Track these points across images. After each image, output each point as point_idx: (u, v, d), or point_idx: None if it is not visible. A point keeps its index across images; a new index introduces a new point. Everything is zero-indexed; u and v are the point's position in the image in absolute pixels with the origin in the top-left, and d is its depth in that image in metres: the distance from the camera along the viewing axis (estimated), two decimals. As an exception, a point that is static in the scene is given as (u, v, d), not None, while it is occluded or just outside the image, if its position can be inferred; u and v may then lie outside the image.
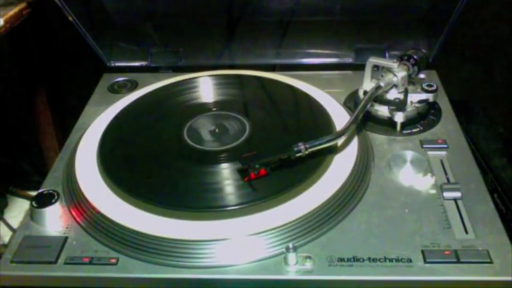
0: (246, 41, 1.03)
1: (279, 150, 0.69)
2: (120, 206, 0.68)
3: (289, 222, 0.64)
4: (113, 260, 0.62)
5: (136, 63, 1.05)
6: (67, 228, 0.67)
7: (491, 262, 0.60)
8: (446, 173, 0.73)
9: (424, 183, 0.72)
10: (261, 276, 0.60)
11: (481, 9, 1.13)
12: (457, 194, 0.69)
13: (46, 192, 0.71)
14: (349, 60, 1.01)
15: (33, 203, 0.69)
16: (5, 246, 0.92)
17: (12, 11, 0.96)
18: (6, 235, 1.05)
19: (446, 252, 0.61)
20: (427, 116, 0.85)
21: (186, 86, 0.94)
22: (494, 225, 0.65)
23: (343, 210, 0.67)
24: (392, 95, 0.82)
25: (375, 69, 0.82)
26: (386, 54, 0.99)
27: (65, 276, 0.62)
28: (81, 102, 0.95)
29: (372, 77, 0.83)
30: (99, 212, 0.67)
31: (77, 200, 0.70)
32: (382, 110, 0.83)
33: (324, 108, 0.84)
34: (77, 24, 0.94)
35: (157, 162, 0.76)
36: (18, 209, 1.17)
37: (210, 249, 0.62)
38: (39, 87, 1.22)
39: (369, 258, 0.61)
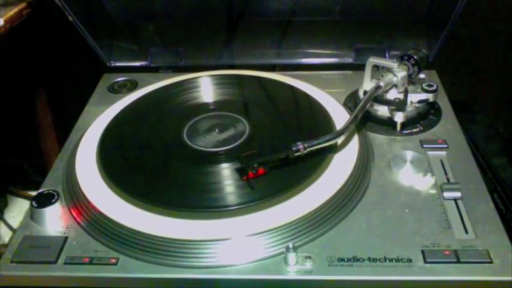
0: (246, 41, 1.03)
1: (277, 150, 0.69)
2: (120, 205, 0.68)
3: (289, 222, 0.64)
4: (113, 260, 0.62)
5: (137, 63, 1.05)
6: (67, 228, 0.67)
7: (491, 262, 0.60)
8: (446, 173, 0.73)
9: (424, 183, 0.72)
10: (261, 276, 0.60)
11: (481, 10, 1.13)
12: (457, 194, 0.69)
13: (46, 192, 0.71)
14: (349, 60, 1.01)
15: (33, 203, 0.69)
16: (5, 246, 0.91)
17: (12, 11, 0.96)
18: (6, 235, 1.05)
19: (446, 252, 0.61)
20: (427, 116, 0.85)
21: (186, 86, 0.94)
22: (494, 225, 0.65)
23: (343, 210, 0.67)
24: (392, 95, 0.82)
25: (375, 69, 0.82)
26: (387, 54, 0.99)
27: (65, 276, 0.62)
28: (81, 102, 0.95)
29: (372, 77, 0.83)
30: (99, 212, 0.67)
31: (77, 200, 0.70)
32: (382, 110, 0.83)
33: (324, 108, 0.84)
34: (77, 24, 0.94)
35: (157, 162, 0.76)
36: (18, 209, 1.17)
37: (210, 249, 0.62)
38: (39, 87, 1.22)
39: (369, 258, 0.61)
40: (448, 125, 0.84)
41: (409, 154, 0.76)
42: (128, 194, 0.68)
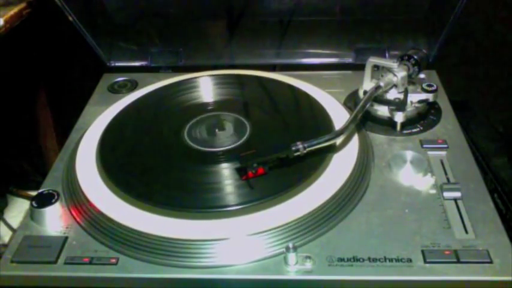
0: (246, 41, 1.03)
1: (277, 150, 0.69)
2: (120, 206, 0.68)
3: (289, 222, 0.64)
4: (113, 260, 0.62)
5: (137, 63, 1.05)
6: (67, 228, 0.67)
7: (491, 262, 0.60)
8: (446, 173, 0.73)
9: (424, 183, 0.72)
10: (261, 276, 0.60)
11: (481, 9, 1.13)
12: (457, 194, 0.69)
13: (46, 192, 0.71)
14: (349, 60, 1.01)
15: (33, 203, 0.69)
16: (5, 246, 0.91)
17: (12, 11, 0.96)
18: (6, 235, 1.04)
19: (446, 252, 0.61)
20: (427, 116, 0.85)
21: (186, 86, 0.94)
22: (494, 225, 0.65)
23: (343, 210, 0.67)
24: (392, 95, 0.82)
25: (375, 69, 0.82)
26: (387, 54, 0.99)
27: (65, 276, 0.62)
28: (81, 102, 0.95)
29: (372, 77, 0.83)
30: (99, 212, 0.67)
31: (77, 200, 0.70)
32: (382, 110, 0.83)
33: (324, 108, 0.84)
34: (77, 24, 0.94)
35: (157, 162, 0.76)
36: (18, 209, 1.17)
37: (210, 249, 0.62)
38: (39, 87, 1.22)
39: (369, 258, 0.61)
40: (448, 125, 0.84)
41: (409, 154, 0.76)
42: (128, 194, 0.68)
